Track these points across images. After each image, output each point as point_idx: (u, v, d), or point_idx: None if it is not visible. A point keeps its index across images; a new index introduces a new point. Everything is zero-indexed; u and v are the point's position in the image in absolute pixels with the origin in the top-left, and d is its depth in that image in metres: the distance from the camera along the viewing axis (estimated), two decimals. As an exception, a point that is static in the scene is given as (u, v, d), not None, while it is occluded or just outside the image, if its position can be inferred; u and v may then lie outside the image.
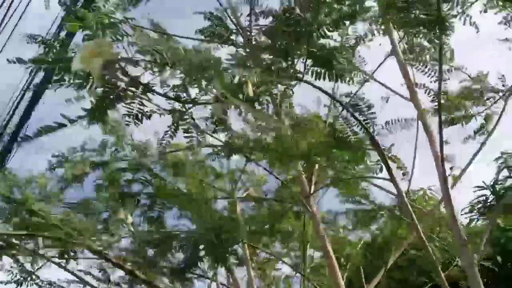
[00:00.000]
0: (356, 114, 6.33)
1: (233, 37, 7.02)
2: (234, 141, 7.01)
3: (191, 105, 5.63)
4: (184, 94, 5.35)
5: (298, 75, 5.92)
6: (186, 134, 5.86)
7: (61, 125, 5.16)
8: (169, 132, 5.98)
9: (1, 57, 8.96)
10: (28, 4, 8.38)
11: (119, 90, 4.85)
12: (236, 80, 5.43)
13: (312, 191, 7.34)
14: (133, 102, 5.24)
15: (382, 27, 7.26)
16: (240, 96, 5.38)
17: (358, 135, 6.53)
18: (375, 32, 7.42)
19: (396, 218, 7.66)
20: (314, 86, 6.18)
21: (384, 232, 7.83)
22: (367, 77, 7.27)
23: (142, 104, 5.31)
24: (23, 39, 6.35)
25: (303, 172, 7.41)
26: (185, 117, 5.74)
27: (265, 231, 8.31)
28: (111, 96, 4.84)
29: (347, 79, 6.05)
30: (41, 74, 7.48)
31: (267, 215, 8.33)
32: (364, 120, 6.39)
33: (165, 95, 5.33)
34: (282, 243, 8.91)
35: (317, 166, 7.36)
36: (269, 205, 8.69)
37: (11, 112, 8.22)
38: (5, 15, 8.89)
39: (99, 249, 7.38)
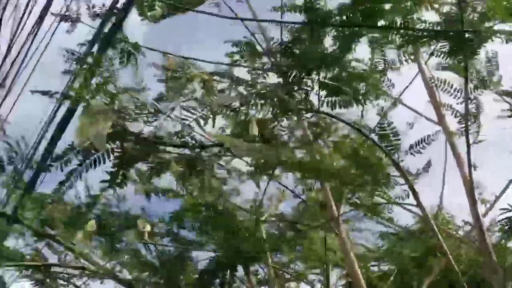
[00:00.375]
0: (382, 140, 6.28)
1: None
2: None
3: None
4: (190, 139, 5.35)
5: (314, 106, 5.94)
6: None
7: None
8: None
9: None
10: (53, 35, 8.39)
11: (131, 151, 4.83)
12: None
13: (339, 213, 7.16)
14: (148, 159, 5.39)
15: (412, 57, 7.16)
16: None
17: (382, 161, 6.41)
18: (403, 58, 7.30)
19: (422, 241, 7.46)
20: (333, 116, 6.18)
21: (412, 255, 7.58)
22: (394, 100, 7.15)
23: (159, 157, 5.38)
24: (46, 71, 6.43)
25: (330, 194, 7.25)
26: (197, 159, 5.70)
27: (288, 249, 8.11)
28: (125, 160, 4.83)
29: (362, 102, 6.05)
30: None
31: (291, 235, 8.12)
32: (389, 146, 6.33)
33: (172, 144, 5.36)
34: (305, 263, 8.66)
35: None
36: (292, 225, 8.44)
37: (38, 140, 8.19)
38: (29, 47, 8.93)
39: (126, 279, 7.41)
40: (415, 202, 6.43)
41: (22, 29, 8.87)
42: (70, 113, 7.58)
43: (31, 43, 8.16)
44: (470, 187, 6.47)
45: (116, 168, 4.91)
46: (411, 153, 6.53)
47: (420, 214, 6.82)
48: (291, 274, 8.86)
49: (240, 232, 7.46)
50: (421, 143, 6.64)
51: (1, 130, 9.46)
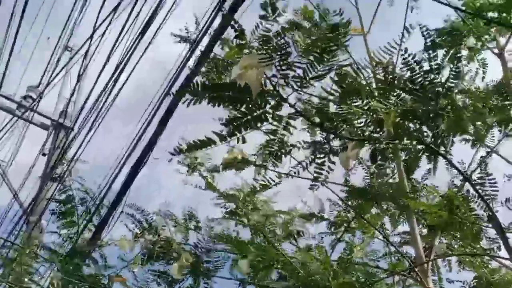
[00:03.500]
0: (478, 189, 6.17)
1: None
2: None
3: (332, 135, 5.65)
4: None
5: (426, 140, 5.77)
6: (317, 170, 5.79)
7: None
8: (302, 164, 6.02)
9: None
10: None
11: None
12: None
13: (428, 260, 6.72)
14: (274, 137, 5.43)
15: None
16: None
17: (475, 212, 6.35)
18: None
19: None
20: (442, 156, 6.10)
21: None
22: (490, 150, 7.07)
23: (282, 142, 5.46)
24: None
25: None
26: (324, 148, 5.75)
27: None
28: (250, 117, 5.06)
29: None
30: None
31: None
32: (486, 195, 6.22)
33: (309, 119, 5.41)
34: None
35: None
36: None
37: (110, 181, 8.36)
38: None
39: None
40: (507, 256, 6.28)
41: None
42: (145, 153, 7.90)
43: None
44: None
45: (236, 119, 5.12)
46: (508, 207, 6.46)
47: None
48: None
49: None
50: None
51: (75, 170, 9.79)
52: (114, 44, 9.80)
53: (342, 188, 6.83)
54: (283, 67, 5.18)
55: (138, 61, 8.48)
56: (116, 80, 9.00)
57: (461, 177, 6.50)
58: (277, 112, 5.41)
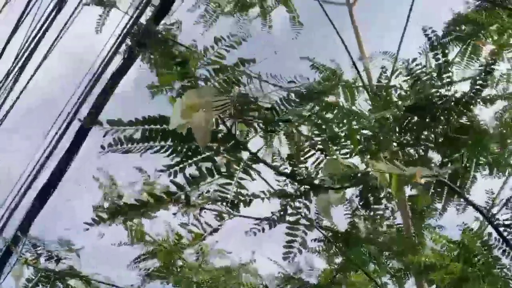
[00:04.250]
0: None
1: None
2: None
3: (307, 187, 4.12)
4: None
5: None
6: (288, 231, 4.27)
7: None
8: (266, 222, 4.28)
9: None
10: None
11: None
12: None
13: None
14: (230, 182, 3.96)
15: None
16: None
17: (500, 261, 4.95)
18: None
19: None
20: (457, 192, 4.89)
21: None
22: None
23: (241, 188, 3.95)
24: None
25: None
26: (297, 204, 4.20)
27: None
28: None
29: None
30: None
31: None
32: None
33: (277, 170, 4.01)
34: None
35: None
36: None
37: (14, 206, 6.74)
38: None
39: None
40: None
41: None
42: (62, 166, 6.14)
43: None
44: None
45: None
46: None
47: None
48: None
49: None
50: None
51: None
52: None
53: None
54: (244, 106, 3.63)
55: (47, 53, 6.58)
56: (16, 80, 7.15)
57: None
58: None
